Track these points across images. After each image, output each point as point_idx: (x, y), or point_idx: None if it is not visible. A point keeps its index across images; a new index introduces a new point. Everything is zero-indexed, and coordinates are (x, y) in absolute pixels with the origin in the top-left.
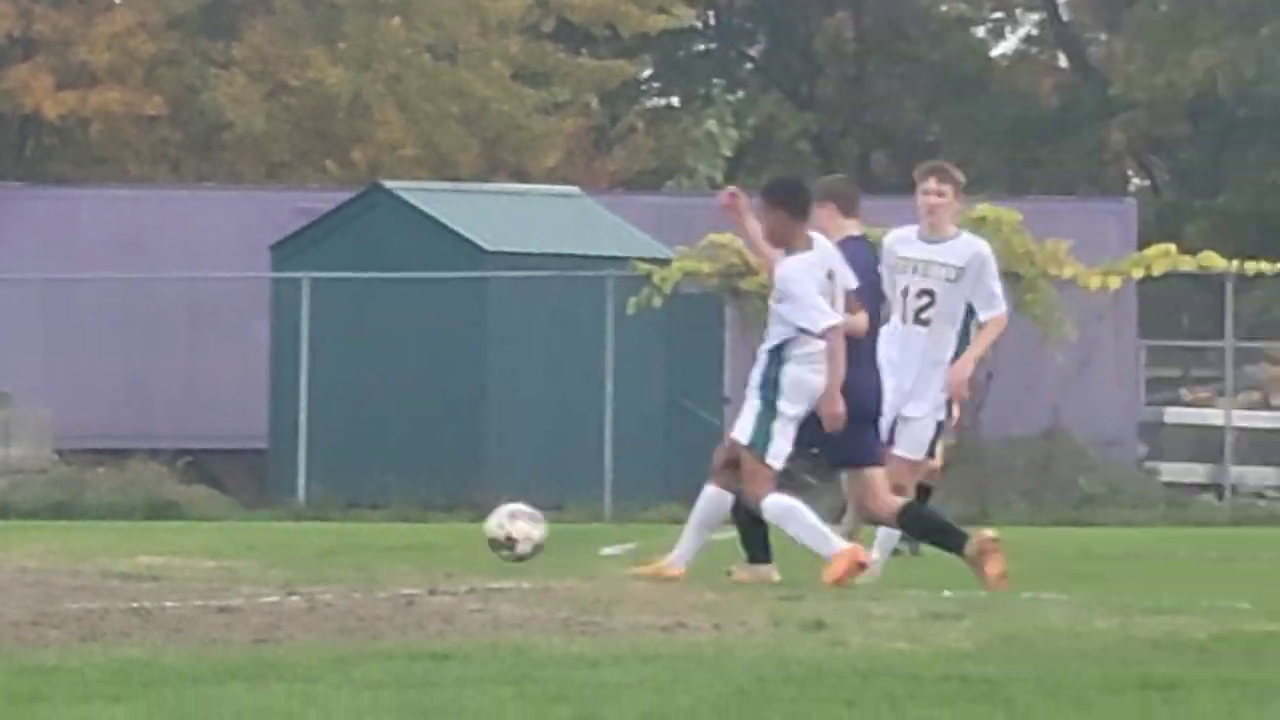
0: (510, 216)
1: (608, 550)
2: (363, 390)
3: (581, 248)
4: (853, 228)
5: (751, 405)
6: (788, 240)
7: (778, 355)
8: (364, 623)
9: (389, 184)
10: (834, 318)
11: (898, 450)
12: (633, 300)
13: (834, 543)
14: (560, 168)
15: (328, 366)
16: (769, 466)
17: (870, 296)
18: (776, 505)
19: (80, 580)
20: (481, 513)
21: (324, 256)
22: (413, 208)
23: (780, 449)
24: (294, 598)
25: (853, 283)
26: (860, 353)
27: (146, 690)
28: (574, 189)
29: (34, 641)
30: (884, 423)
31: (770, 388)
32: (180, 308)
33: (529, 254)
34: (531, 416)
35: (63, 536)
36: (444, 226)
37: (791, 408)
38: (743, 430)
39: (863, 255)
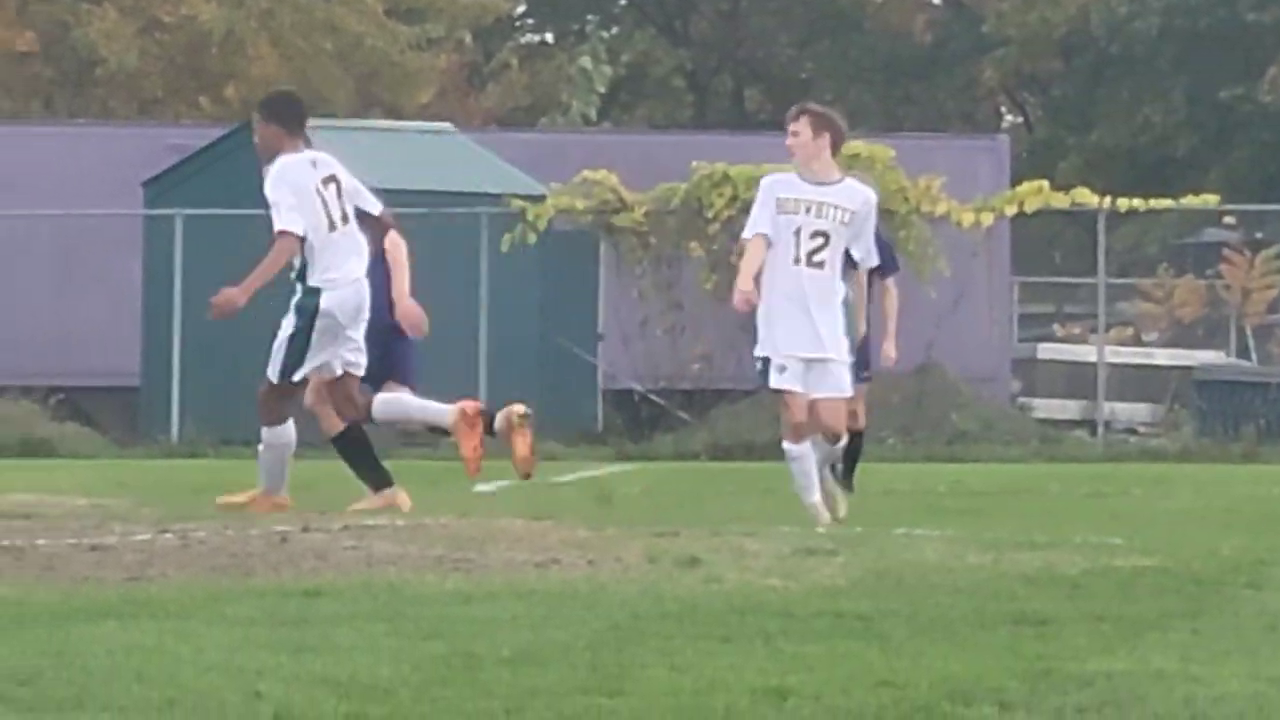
0: (384, 153)
1: (481, 488)
2: (234, 327)
3: (456, 184)
4: None
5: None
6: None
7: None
8: (237, 560)
9: None
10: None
11: (826, 393)
12: (507, 237)
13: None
14: (434, 104)
15: (200, 303)
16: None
17: None
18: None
19: None
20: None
21: (197, 193)
22: None
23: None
24: (166, 535)
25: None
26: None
27: (19, 629)
28: (448, 125)
29: None
30: (786, 364)
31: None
32: (52, 245)
33: (403, 190)
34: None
35: None
36: None
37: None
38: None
39: None
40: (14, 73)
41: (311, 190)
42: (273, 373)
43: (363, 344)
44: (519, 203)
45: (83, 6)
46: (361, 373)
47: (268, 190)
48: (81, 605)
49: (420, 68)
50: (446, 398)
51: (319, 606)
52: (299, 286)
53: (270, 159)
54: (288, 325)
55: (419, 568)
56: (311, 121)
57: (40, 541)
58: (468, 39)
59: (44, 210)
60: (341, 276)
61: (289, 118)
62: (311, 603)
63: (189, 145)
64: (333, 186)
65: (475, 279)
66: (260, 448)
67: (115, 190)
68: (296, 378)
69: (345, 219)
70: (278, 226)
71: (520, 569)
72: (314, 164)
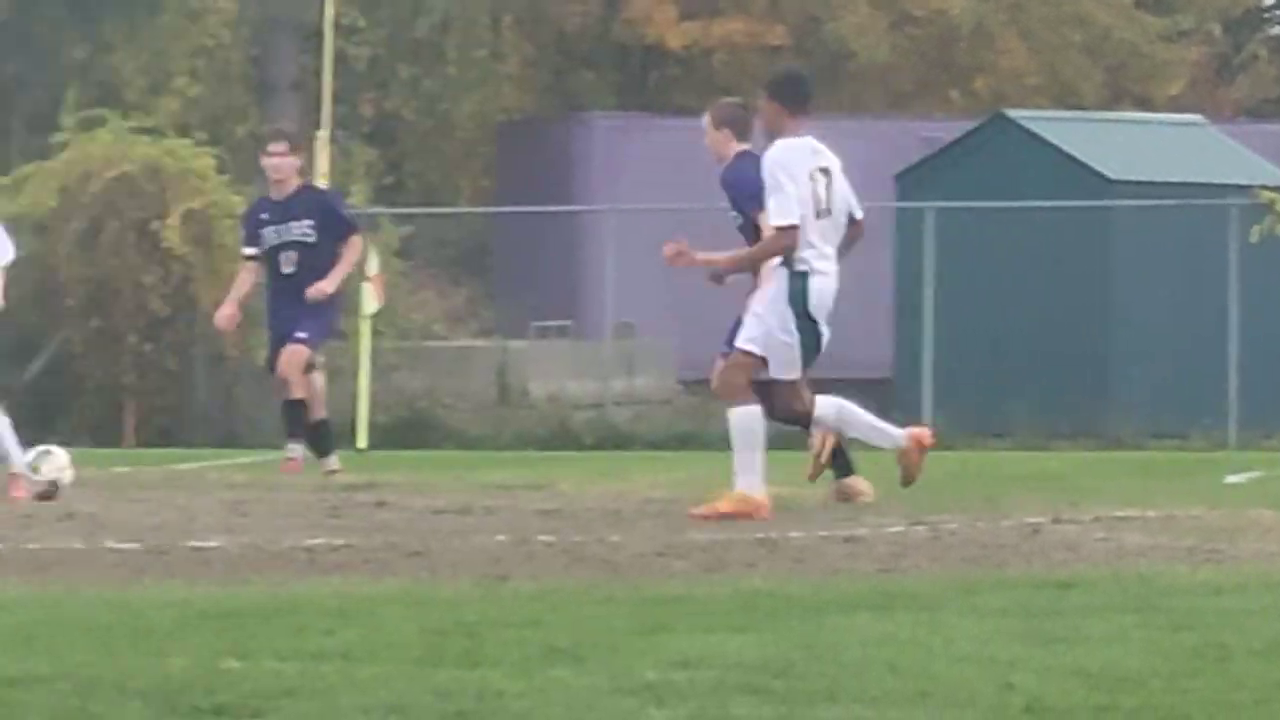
0: (1134, 145)
1: (1232, 478)
2: (986, 319)
3: (1205, 176)
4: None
5: None
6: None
7: None
8: (988, 551)
9: (1012, 113)
10: None
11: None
12: (1256, 229)
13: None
14: (1184, 96)
15: (951, 295)
16: None
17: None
18: None
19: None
20: (1105, 442)
21: (948, 186)
22: (1036, 137)
23: None
24: (918, 527)
25: None
26: None
27: (771, 620)
28: (1198, 117)
29: (659, 572)
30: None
31: None
32: None
33: (1153, 183)
34: (1155, 346)
35: (687, 466)
36: (1068, 156)
37: None
38: None
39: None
40: (765, 67)
41: (805, 176)
42: (745, 342)
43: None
44: (1268, 195)
45: (834, 0)
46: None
47: (765, 174)
48: (834, 597)
49: (1170, 59)
50: (1197, 390)
51: (1069, 598)
52: (783, 270)
53: (771, 138)
54: (772, 302)
55: (1170, 559)
56: (1062, 114)
57: (793, 533)
58: (1217, 31)
59: None
60: (823, 268)
61: (792, 96)
62: (1063, 594)
63: (940, 139)
64: (824, 178)
65: (1225, 271)
66: (733, 434)
67: (867, 182)
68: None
69: (829, 212)
70: (775, 221)
71: (1271, 560)
72: (813, 150)
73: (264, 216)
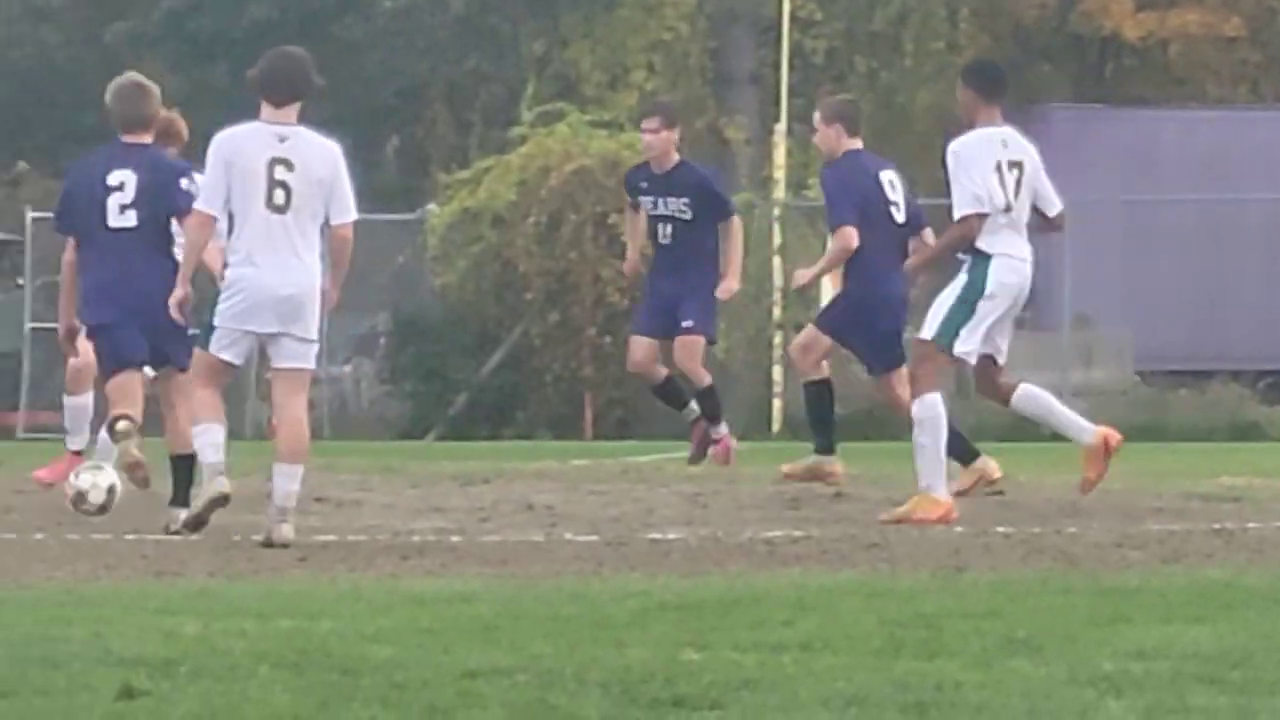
0: None
1: None
2: None
3: None
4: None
5: None
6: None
7: None
8: None
9: None
10: None
11: None
12: None
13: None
14: None
15: None
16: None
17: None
18: None
19: (1162, 502)
20: None
21: None
22: None
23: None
24: None
25: None
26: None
27: (1228, 611)
28: None
29: (1116, 563)
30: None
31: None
32: (1260, 229)
33: None
34: None
35: (1145, 458)
36: None
37: None
38: None
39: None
40: (1222, 58)
41: (990, 167)
42: (929, 333)
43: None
44: None
45: None
46: (1003, 359)
47: (948, 162)
48: None
49: None
50: None
51: None
52: (970, 256)
53: (967, 127)
54: (955, 290)
55: None
56: None
57: (1250, 525)
58: None
59: (1254, 195)
60: (1014, 253)
61: (986, 85)
62: None
63: None
64: (1015, 172)
65: None
66: (915, 432)
67: None
68: (958, 349)
69: (1014, 205)
70: (961, 210)
71: None
72: (1004, 143)
73: (644, 185)
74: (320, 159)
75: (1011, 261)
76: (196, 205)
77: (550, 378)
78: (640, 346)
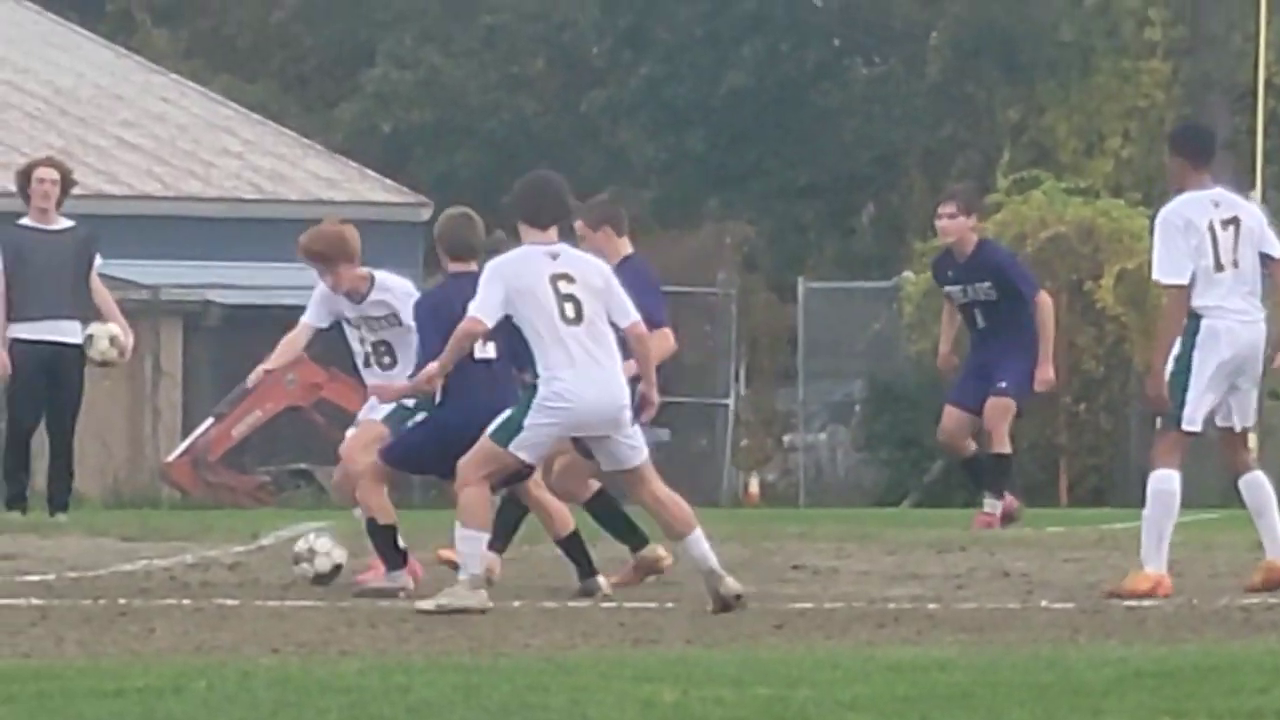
0: None
1: None
2: None
3: None
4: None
5: None
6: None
7: None
8: None
9: None
10: None
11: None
12: None
13: None
14: None
15: None
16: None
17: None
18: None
19: None
20: None
21: None
22: None
23: None
24: None
25: None
26: None
27: None
28: None
29: None
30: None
31: None
32: None
33: None
34: None
35: None
36: None
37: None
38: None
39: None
40: None
41: (1202, 228)
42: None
43: (1254, 395)
44: None
45: None
46: (1245, 425)
47: (1156, 228)
48: None
49: None
50: None
51: None
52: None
53: (1176, 193)
54: (1172, 361)
55: None
56: None
57: None
58: None
59: None
60: (1228, 309)
61: (1194, 151)
62: None
63: None
64: (1231, 229)
65: None
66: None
67: None
68: (1185, 425)
69: (1236, 264)
70: (1160, 278)
71: None
72: (1215, 203)
73: (949, 274)
74: (594, 270)
75: (1225, 320)
76: (471, 312)
77: (1026, 444)
78: (951, 417)
